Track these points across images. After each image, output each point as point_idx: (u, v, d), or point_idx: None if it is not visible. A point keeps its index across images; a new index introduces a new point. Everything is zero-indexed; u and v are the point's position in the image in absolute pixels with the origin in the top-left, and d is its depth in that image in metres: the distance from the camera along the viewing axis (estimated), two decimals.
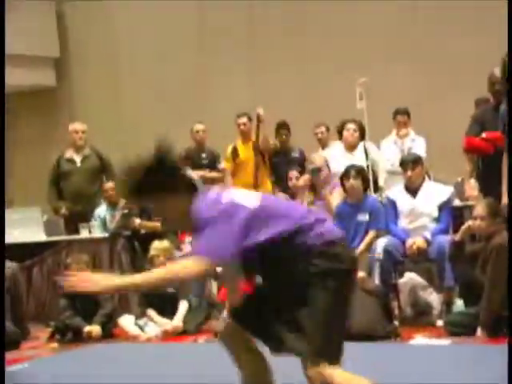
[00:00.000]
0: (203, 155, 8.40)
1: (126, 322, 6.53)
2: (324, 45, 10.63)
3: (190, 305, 6.58)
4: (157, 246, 6.65)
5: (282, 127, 8.34)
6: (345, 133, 7.86)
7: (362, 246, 6.64)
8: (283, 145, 8.32)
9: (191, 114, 9.68)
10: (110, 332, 6.52)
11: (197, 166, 8.05)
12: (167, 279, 3.11)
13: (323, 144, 8.39)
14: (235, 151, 8.25)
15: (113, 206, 7.76)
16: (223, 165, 8.42)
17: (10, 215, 7.50)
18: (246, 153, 8.29)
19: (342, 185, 6.87)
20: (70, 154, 8.34)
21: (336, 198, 7.10)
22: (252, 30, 11.30)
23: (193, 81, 11.50)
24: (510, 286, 5.16)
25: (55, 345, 6.42)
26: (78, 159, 8.31)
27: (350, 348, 3.21)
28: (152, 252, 6.63)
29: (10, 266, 6.75)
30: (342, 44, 10.47)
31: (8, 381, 4.71)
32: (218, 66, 11.26)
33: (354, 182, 6.75)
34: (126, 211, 7.47)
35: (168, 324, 6.40)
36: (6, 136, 11.08)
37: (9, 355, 5.54)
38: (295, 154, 8.40)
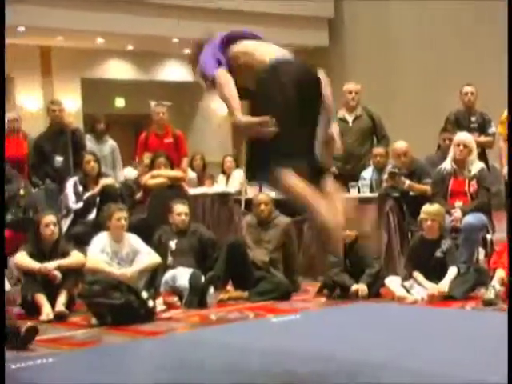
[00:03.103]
0: (472, 118, 8.00)
1: (393, 283, 6.35)
2: None
3: (458, 271, 6.28)
4: (427, 209, 6.38)
5: None
6: None
7: None
8: None
9: (460, 78, 9.05)
10: (376, 291, 6.45)
11: (465, 128, 7.63)
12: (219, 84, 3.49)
13: None
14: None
15: (380, 170, 7.52)
16: (494, 129, 7.79)
17: None
18: None
19: None
20: (342, 113, 8.14)
21: None
22: None
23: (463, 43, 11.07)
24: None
25: (323, 299, 6.36)
26: (350, 119, 8.12)
27: None
28: (422, 215, 6.37)
29: (284, 220, 6.79)
30: None
31: (282, 329, 5.16)
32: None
33: None
34: (394, 170, 7.17)
35: (434, 288, 6.12)
36: None
37: (281, 305, 6.08)
38: None
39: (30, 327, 4.69)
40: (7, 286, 5.26)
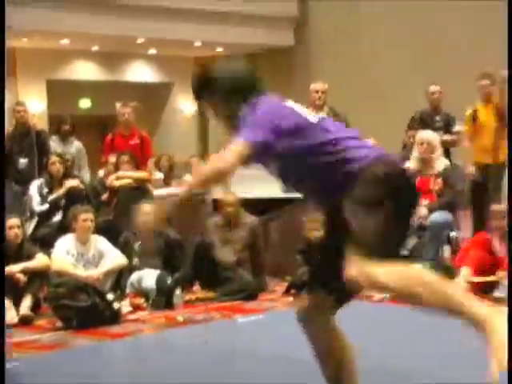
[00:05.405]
0: (437, 117, 8.12)
1: None
2: None
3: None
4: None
5: None
6: None
7: None
8: None
9: (427, 77, 9.31)
10: None
11: (430, 127, 7.75)
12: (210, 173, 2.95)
13: None
14: (475, 114, 7.65)
15: None
16: (457, 128, 7.95)
17: (248, 172, 7.48)
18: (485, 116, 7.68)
19: None
20: None
21: None
22: None
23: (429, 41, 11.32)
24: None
25: (291, 299, 6.33)
26: None
27: None
28: None
29: (251, 220, 6.79)
30: None
31: (249, 329, 5.17)
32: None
33: None
34: None
35: None
36: None
37: (248, 305, 6.04)
38: None
39: None
40: None
